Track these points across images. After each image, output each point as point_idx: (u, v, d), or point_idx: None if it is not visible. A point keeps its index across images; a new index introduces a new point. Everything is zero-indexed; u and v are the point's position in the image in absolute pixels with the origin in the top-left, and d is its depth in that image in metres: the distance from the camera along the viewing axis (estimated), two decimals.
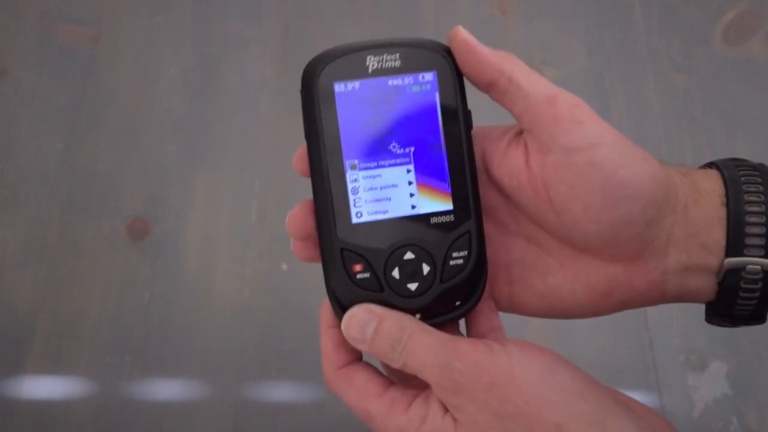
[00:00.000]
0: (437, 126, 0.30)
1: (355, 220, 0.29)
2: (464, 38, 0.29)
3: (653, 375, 0.75)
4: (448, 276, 0.29)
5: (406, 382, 0.30)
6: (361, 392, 0.28)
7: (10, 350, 0.76)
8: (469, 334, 0.31)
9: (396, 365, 0.27)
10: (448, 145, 0.30)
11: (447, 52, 0.30)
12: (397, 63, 0.29)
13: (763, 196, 0.27)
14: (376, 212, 0.29)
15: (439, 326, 0.29)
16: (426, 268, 0.29)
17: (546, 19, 0.95)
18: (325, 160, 0.29)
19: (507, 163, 0.30)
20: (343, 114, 0.29)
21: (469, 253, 0.29)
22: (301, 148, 0.31)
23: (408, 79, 0.30)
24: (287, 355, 0.76)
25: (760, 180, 0.28)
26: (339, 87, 0.29)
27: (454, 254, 0.29)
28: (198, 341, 0.77)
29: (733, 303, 0.28)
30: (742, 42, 0.93)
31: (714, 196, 0.28)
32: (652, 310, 0.78)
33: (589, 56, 0.93)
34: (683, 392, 0.74)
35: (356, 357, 0.30)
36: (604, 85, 0.91)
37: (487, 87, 0.29)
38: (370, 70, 0.29)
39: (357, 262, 0.29)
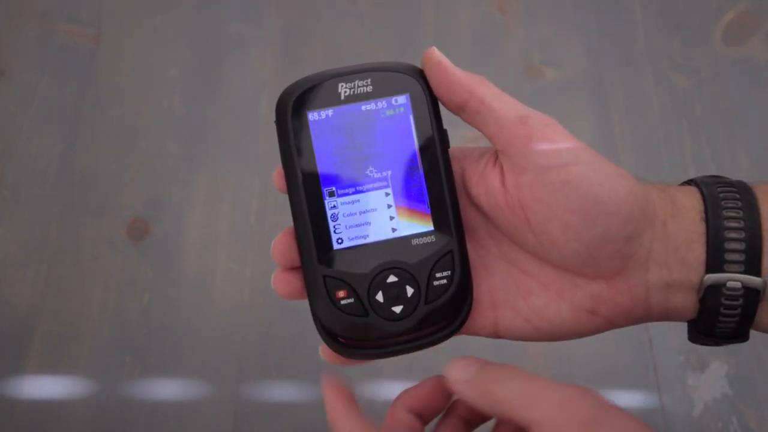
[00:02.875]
0: (413, 147, 0.30)
1: (336, 246, 0.29)
2: (437, 59, 0.29)
3: (653, 375, 0.75)
4: (432, 297, 0.29)
5: None
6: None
7: (10, 350, 0.76)
8: None
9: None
10: (425, 165, 0.30)
11: (419, 74, 0.30)
12: (369, 88, 0.30)
13: (741, 212, 0.27)
14: (356, 237, 0.29)
15: None
16: (410, 290, 0.29)
17: (546, 19, 0.95)
18: (303, 188, 0.29)
19: (484, 184, 0.30)
20: (318, 142, 0.29)
21: (453, 273, 0.29)
22: (280, 166, 0.31)
23: (381, 104, 0.30)
24: (287, 355, 0.76)
25: (738, 196, 0.28)
26: (312, 116, 0.29)
27: (438, 275, 0.29)
28: (198, 341, 0.77)
29: (714, 321, 0.28)
30: (742, 42, 0.93)
31: (693, 211, 0.28)
32: None
33: (589, 56, 0.93)
34: (683, 392, 0.74)
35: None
36: (604, 85, 0.91)
37: (459, 109, 0.29)
38: (342, 97, 0.30)
39: (340, 288, 0.29)
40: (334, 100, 0.30)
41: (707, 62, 0.92)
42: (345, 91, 0.30)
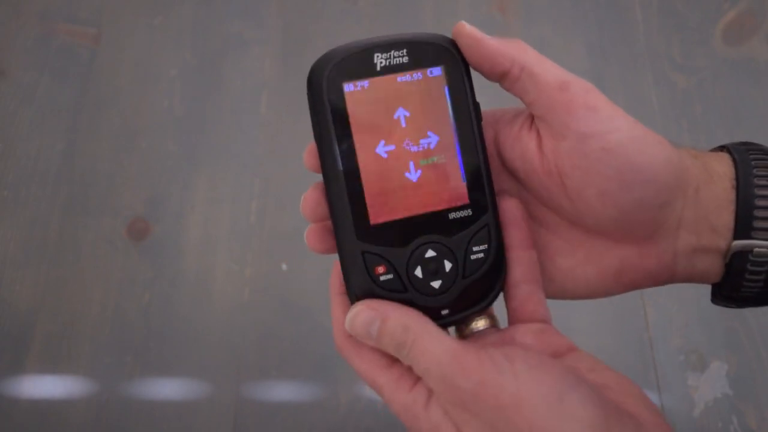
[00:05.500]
0: (449, 120, 0.29)
1: (373, 221, 0.29)
2: (470, 32, 0.29)
3: (653, 375, 0.75)
4: (470, 271, 0.29)
5: None
6: (369, 363, 0.28)
7: (10, 350, 0.76)
8: (510, 320, 0.30)
9: (405, 364, 0.27)
10: (460, 139, 0.29)
11: (453, 45, 0.30)
12: (405, 59, 0.29)
13: None
14: (393, 212, 0.29)
15: (468, 318, 0.29)
16: (448, 265, 0.29)
17: (546, 19, 0.95)
18: (338, 162, 0.28)
19: (520, 147, 0.30)
20: (354, 114, 0.29)
21: (489, 246, 0.29)
22: (312, 144, 0.30)
23: (417, 75, 0.29)
24: (287, 355, 0.76)
25: None
26: (348, 86, 0.29)
27: (475, 248, 0.29)
28: (198, 341, 0.77)
29: (739, 285, 0.29)
30: (742, 42, 0.93)
31: (724, 179, 0.28)
32: (652, 310, 0.78)
33: (589, 56, 0.93)
34: (683, 392, 0.74)
35: None
36: (604, 86, 0.91)
37: (500, 78, 0.29)
38: (378, 68, 0.29)
39: (379, 264, 0.28)
40: (371, 71, 0.29)
41: (707, 62, 0.92)
42: (381, 62, 0.29)
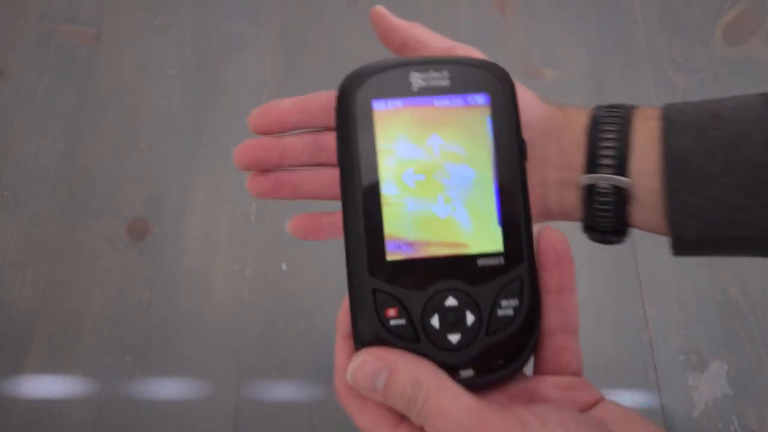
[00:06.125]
0: (489, 155, 0.26)
1: (390, 256, 0.25)
2: (380, 12, 0.35)
3: (653, 375, 0.75)
4: (495, 328, 0.25)
5: None
6: (373, 419, 0.25)
7: (10, 350, 0.76)
8: (537, 369, 0.27)
9: (416, 423, 0.24)
10: (500, 177, 0.26)
11: (503, 74, 0.27)
12: (445, 82, 0.26)
13: (617, 126, 0.31)
14: (414, 249, 0.25)
15: (482, 384, 0.25)
16: (470, 318, 0.25)
17: (546, 19, 0.95)
18: (359, 186, 0.25)
19: None
20: (382, 136, 0.26)
21: (520, 303, 0.25)
22: (251, 141, 0.33)
23: (457, 100, 0.26)
24: (287, 355, 0.76)
25: (618, 114, 0.32)
26: (379, 105, 0.26)
27: (503, 303, 0.25)
28: (198, 341, 0.77)
29: (594, 216, 0.32)
30: (742, 42, 0.93)
31: (580, 125, 0.33)
32: (652, 310, 0.78)
33: (589, 56, 0.93)
34: (683, 392, 0.74)
35: None
36: (603, 85, 0.91)
37: (401, 48, 0.34)
38: (414, 88, 0.26)
39: (391, 306, 0.25)
40: (405, 91, 0.26)
41: (707, 62, 0.92)
42: (418, 82, 0.26)
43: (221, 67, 0.92)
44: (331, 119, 0.34)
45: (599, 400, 0.26)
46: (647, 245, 0.80)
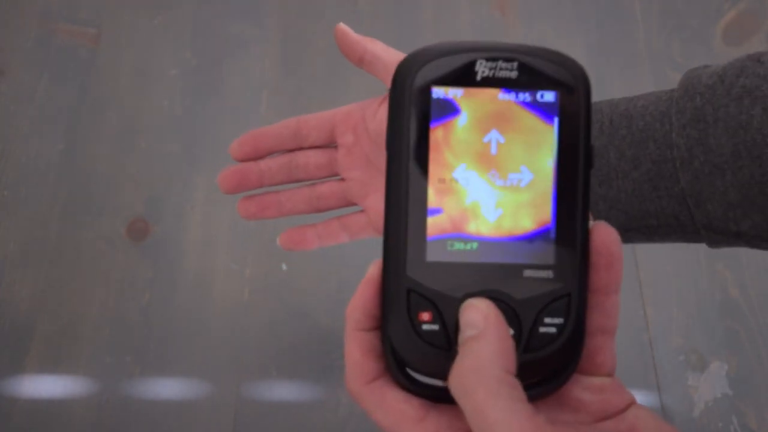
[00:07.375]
0: (551, 158, 0.24)
1: (431, 257, 0.24)
2: (342, 29, 0.37)
3: (653, 375, 0.75)
4: (535, 345, 0.23)
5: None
6: (396, 415, 0.23)
7: (10, 350, 0.76)
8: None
9: (443, 415, 0.23)
10: (560, 184, 0.24)
11: (579, 72, 0.25)
12: (513, 74, 0.24)
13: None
14: (458, 251, 0.24)
15: None
16: (509, 331, 0.23)
17: (546, 19, 0.95)
18: (406, 179, 0.24)
19: (380, 113, 0.37)
20: (437, 126, 0.24)
21: (565, 322, 0.23)
22: (231, 168, 0.38)
23: (524, 96, 0.24)
24: (287, 355, 0.76)
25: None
26: (437, 92, 0.24)
27: (546, 320, 0.23)
28: (198, 341, 0.77)
29: None
30: (742, 42, 0.93)
31: None
32: (652, 310, 0.78)
33: (589, 56, 0.93)
34: (683, 392, 0.74)
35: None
36: (604, 85, 0.91)
37: (360, 61, 0.37)
38: (478, 77, 0.24)
39: (425, 309, 0.23)
40: (468, 80, 0.24)
41: (707, 62, 0.92)
42: (483, 71, 0.24)
43: (221, 67, 0.92)
44: (302, 141, 0.39)
45: (630, 404, 0.25)
46: (647, 245, 0.80)
